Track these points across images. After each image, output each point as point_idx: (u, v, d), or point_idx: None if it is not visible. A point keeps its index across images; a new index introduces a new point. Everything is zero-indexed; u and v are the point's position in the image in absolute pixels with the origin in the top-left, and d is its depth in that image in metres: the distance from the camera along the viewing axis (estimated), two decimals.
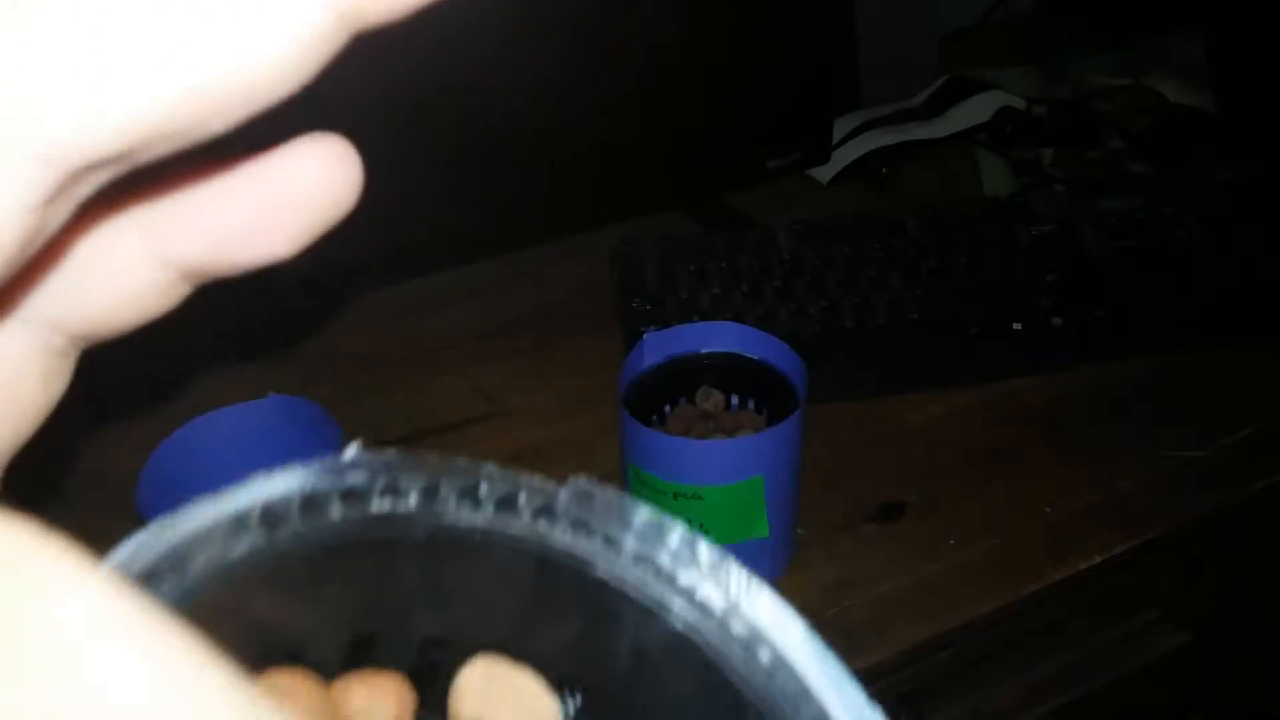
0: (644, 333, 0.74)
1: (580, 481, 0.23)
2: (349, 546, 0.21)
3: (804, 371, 0.66)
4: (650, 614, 0.23)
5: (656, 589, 0.23)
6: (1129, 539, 0.72)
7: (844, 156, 1.01)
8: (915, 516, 0.73)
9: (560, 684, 0.22)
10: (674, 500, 0.62)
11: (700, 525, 0.62)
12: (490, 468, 0.22)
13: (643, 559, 0.23)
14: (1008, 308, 0.82)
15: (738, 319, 0.77)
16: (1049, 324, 0.82)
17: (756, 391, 0.67)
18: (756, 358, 0.67)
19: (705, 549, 0.23)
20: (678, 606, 0.23)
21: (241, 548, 0.19)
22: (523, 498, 0.22)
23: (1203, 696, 0.95)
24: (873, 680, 0.64)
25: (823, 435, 0.74)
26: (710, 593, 0.23)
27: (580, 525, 0.23)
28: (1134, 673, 0.86)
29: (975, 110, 1.05)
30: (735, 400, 0.68)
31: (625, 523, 0.23)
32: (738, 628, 0.23)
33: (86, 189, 0.15)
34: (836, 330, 0.81)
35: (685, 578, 0.23)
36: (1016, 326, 0.81)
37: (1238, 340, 0.85)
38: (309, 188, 0.17)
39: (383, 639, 0.23)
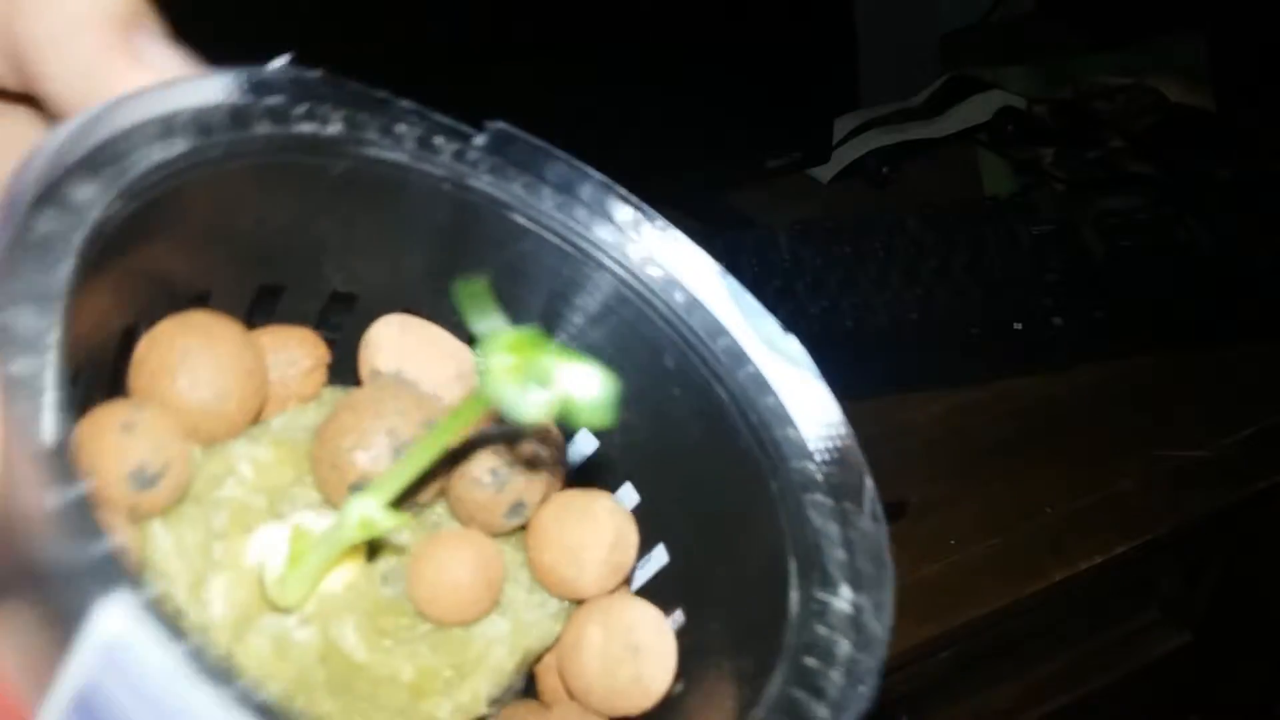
0: None
1: (499, 125, 0.22)
2: (271, 168, 0.20)
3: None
4: (570, 260, 0.23)
5: (574, 237, 0.22)
6: (1129, 539, 0.72)
7: (844, 156, 1.00)
8: (915, 516, 0.73)
9: (473, 341, 0.20)
10: None
11: None
12: (409, 104, 0.22)
13: (561, 209, 0.23)
14: (1008, 308, 0.82)
15: None
16: (1049, 324, 0.82)
17: None
18: None
19: (619, 200, 0.23)
20: (595, 254, 0.23)
21: (174, 150, 0.18)
22: (440, 139, 0.22)
23: (1203, 696, 0.95)
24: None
25: None
26: (626, 241, 0.23)
27: (499, 170, 0.22)
28: (1134, 673, 0.86)
29: (975, 110, 1.05)
30: None
31: (540, 174, 0.22)
32: (653, 273, 0.23)
33: None
34: (836, 330, 0.81)
35: (601, 228, 0.23)
36: (1017, 326, 0.81)
37: (1238, 340, 0.85)
38: None
39: (288, 293, 0.22)
